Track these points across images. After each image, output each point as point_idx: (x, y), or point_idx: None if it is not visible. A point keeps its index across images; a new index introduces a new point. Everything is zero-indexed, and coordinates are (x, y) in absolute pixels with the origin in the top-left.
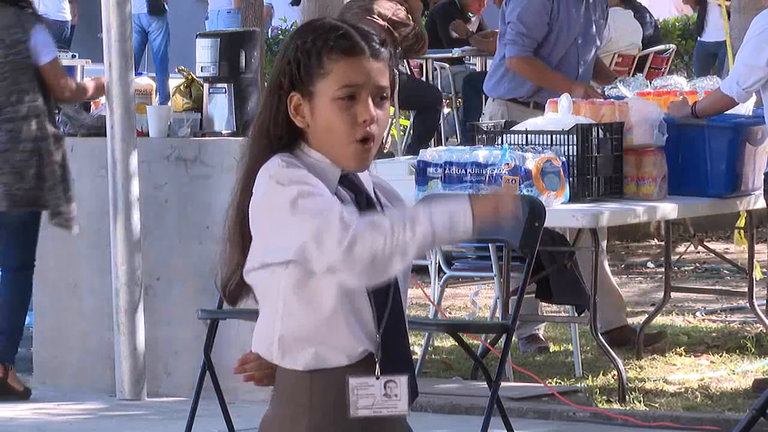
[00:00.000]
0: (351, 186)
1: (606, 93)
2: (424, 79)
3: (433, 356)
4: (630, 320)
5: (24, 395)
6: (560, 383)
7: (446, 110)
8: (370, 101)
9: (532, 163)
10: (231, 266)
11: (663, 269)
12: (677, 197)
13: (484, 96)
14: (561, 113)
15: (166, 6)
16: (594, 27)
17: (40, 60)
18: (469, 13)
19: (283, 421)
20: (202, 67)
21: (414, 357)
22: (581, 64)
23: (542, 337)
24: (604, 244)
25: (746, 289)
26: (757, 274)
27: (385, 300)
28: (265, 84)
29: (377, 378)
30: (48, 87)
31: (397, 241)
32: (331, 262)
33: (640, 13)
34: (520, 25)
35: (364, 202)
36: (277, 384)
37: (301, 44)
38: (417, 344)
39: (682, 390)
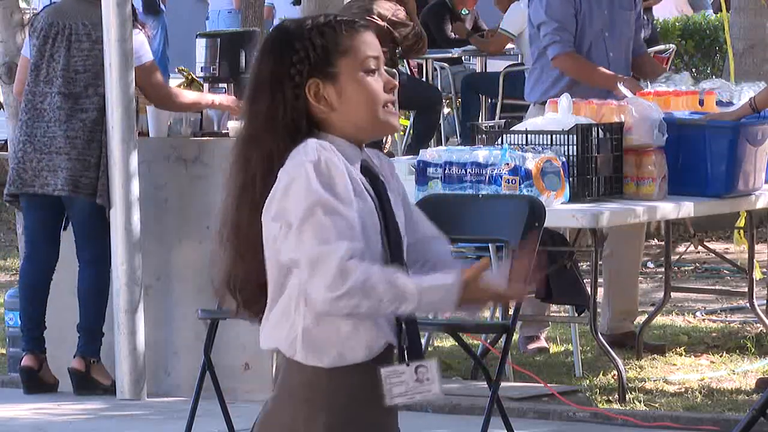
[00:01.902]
0: (369, 174)
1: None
2: (423, 79)
3: (433, 356)
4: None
5: (109, 390)
6: (560, 383)
7: (446, 110)
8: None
9: (532, 163)
10: (249, 269)
11: (663, 269)
12: (677, 197)
13: (482, 96)
14: (561, 113)
15: (161, 6)
16: (622, 18)
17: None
18: (463, 10)
19: (296, 420)
20: (202, 67)
21: None
22: (610, 58)
23: (543, 338)
24: (641, 242)
25: (746, 289)
26: (757, 274)
27: None
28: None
29: (407, 365)
30: (141, 90)
31: (379, 312)
32: (312, 297)
33: None
34: (552, 22)
35: (381, 187)
36: (285, 379)
37: (308, 31)
38: None
39: (682, 390)
